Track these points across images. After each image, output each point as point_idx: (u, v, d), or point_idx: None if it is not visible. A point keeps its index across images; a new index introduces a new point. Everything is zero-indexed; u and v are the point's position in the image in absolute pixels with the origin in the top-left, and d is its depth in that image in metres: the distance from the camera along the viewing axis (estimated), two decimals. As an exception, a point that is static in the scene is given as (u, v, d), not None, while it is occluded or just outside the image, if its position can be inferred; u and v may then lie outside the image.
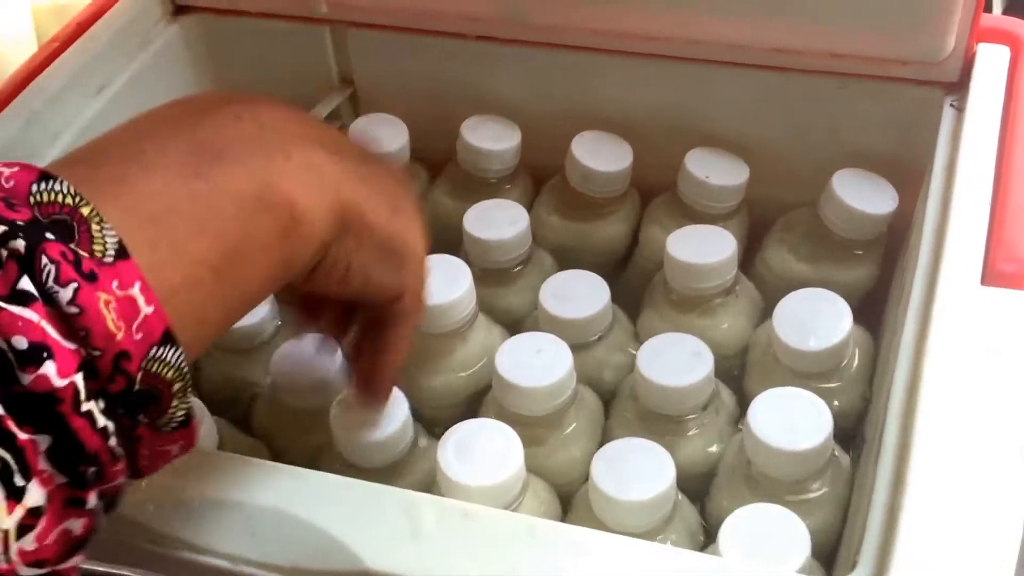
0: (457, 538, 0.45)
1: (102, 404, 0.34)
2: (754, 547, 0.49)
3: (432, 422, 0.61)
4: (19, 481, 0.33)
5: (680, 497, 0.55)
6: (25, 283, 0.33)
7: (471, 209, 0.68)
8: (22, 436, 0.33)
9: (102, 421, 0.34)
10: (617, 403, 0.63)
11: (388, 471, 0.57)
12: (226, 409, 0.65)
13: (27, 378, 0.33)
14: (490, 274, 0.68)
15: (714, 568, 0.44)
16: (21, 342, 0.32)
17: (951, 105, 0.65)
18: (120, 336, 0.34)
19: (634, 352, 0.65)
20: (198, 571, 0.47)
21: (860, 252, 0.68)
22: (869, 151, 0.68)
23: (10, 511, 0.32)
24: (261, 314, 0.65)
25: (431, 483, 0.56)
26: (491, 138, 0.73)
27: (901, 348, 0.52)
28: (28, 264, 0.33)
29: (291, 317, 0.65)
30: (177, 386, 0.37)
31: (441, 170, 0.77)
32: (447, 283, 0.61)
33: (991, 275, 0.52)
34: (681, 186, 0.70)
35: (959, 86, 0.65)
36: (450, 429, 0.54)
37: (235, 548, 0.46)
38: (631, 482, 0.52)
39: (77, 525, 0.35)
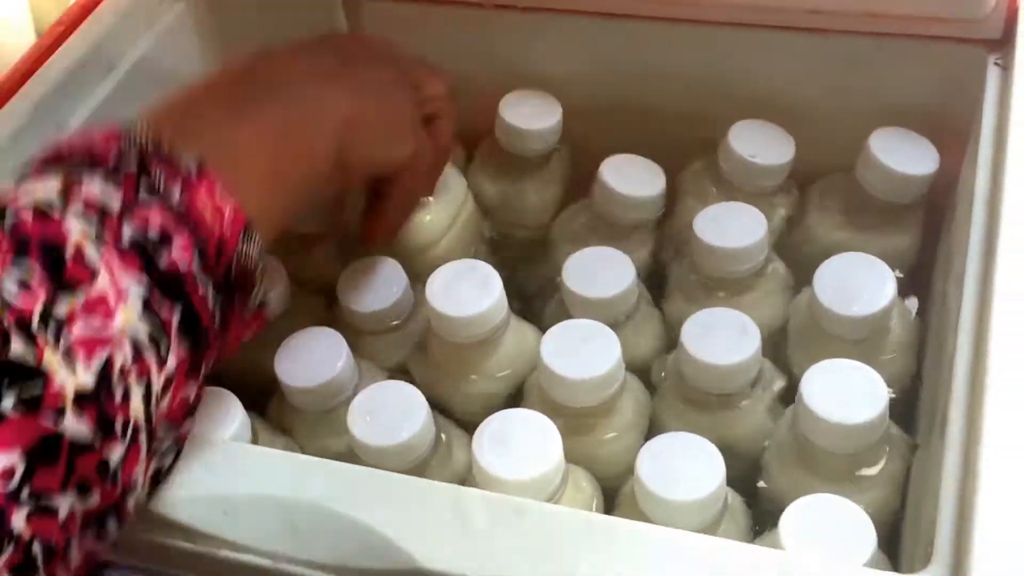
0: (511, 535, 0.43)
1: (211, 288, 0.43)
2: (817, 539, 0.46)
3: (470, 427, 0.58)
4: (163, 351, 0.41)
5: (729, 496, 0.52)
6: (144, 190, 0.42)
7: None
8: (164, 314, 0.41)
9: (211, 300, 0.43)
10: (661, 384, 0.61)
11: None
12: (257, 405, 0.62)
13: (164, 260, 0.41)
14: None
15: (778, 562, 0.42)
16: (154, 232, 0.41)
17: (995, 63, 0.62)
18: (217, 229, 0.43)
19: (660, 332, 0.64)
20: (238, 570, 0.46)
21: (901, 216, 0.65)
22: (910, 113, 0.65)
23: (159, 371, 0.41)
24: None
25: (463, 479, 0.55)
26: (531, 116, 0.70)
27: (960, 330, 0.49)
28: (140, 175, 0.42)
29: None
30: (259, 271, 0.46)
31: (470, 145, 0.75)
32: (478, 291, 0.58)
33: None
34: (724, 164, 0.67)
35: (1003, 43, 0.63)
36: (484, 421, 0.52)
37: (276, 546, 0.45)
38: (679, 480, 0.49)
39: (191, 392, 0.44)
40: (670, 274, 0.67)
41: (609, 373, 0.55)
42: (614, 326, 0.59)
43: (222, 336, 0.45)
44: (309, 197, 0.51)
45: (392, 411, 0.54)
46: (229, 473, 0.46)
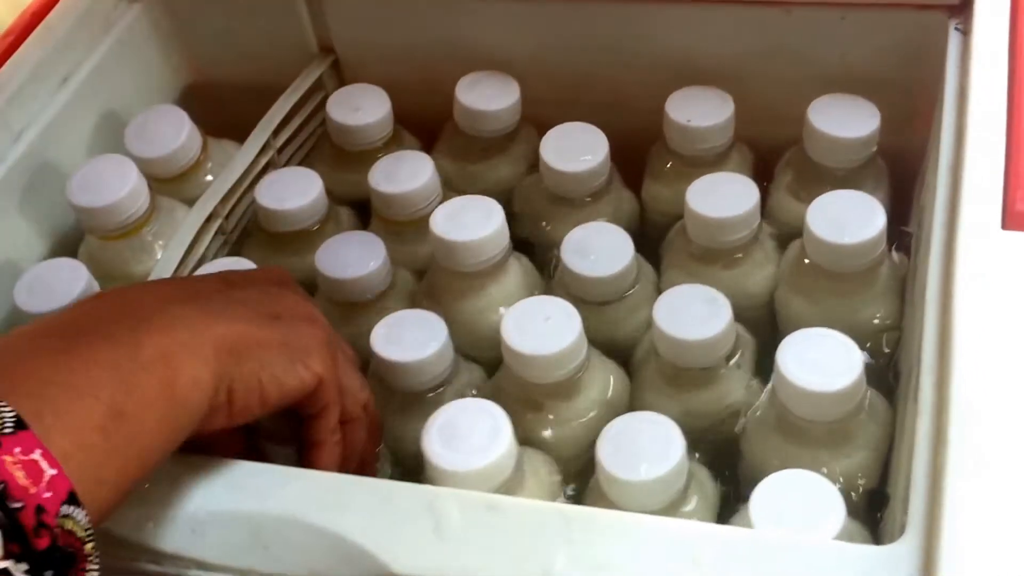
0: (485, 533, 0.43)
1: (25, 566, 0.36)
2: (787, 516, 0.46)
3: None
4: None
5: (695, 468, 0.52)
6: None
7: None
8: None
9: None
10: (639, 362, 0.61)
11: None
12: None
13: None
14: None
15: (749, 540, 0.42)
16: None
17: (956, 29, 0.62)
18: (34, 490, 0.36)
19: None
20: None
21: (857, 184, 0.64)
22: (878, 83, 0.65)
23: None
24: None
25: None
26: (489, 98, 0.70)
27: (927, 299, 0.49)
28: None
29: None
30: (89, 546, 0.38)
31: (436, 130, 0.74)
32: (481, 220, 0.60)
33: (1012, 218, 0.49)
34: (666, 131, 0.67)
35: (962, 8, 0.62)
36: (434, 414, 0.51)
37: (247, 562, 0.44)
38: (640, 460, 0.49)
39: None
40: (663, 252, 0.67)
41: (568, 350, 0.55)
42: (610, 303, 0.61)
43: None
44: (179, 437, 0.44)
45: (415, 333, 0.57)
46: (194, 489, 0.46)
